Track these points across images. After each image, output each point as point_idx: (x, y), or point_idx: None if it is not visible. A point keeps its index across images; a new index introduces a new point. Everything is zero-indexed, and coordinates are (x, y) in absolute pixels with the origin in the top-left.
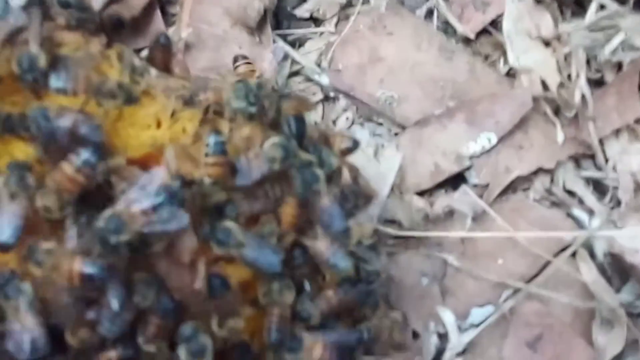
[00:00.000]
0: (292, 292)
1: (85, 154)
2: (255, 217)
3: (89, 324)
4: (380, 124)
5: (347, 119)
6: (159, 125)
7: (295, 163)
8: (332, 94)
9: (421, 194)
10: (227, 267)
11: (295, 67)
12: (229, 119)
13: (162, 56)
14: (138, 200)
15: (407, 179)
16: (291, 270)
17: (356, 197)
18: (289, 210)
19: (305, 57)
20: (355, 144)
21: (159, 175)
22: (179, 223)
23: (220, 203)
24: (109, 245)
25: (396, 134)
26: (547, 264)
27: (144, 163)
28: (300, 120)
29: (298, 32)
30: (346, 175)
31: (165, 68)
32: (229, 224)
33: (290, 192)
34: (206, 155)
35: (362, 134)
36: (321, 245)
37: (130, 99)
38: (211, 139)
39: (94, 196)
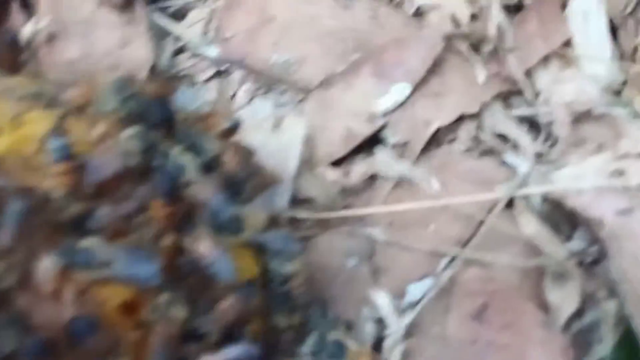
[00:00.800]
0: (182, 306)
1: None
2: (124, 226)
3: None
4: (284, 92)
5: (246, 92)
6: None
7: (160, 155)
8: (224, 67)
9: (335, 164)
10: (102, 289)
11: (180, 43)
12: (89, 118)
13: (10, 55)
14: None
15: (317, 150)
16: (179, 281)
17: (247, 182)
18: (157, 211)
19: (190, 29)
20: (236, 123)
21: None
22: None
23: (77, 217)
24: None
25: (301, 101)
26: (483, 222)
27: None
28: (162, 105)
29: (178, 2)
30: (230, 159)
31: (12, 68)
32: (89, 241)
33: (159, 187)
34: (50, 163)
35: (264, 105)
36: (203, 248)
37: None
38: (52, 144)
39: None
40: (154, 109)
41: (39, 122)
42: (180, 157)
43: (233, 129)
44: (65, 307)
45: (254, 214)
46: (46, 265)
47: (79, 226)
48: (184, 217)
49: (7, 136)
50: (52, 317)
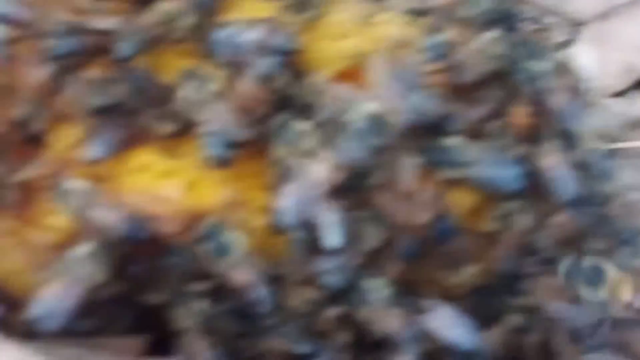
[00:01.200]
0: (527, 217)
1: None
2: (483, 129)
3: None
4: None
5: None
6: (355, 33)
7: (518, 60)
8: None
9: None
10: (452, 193)
11: None
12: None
13: None
14: None
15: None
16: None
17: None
18: (516, 117)
19: None
20: (571, 37)
21: None
22: None
23: (441, 116)
24: None
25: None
26: None
27: (345, 78)
28: (515, 12)
29: None
30: (572, 72)
31: None
32: (454, 140)
33: (516, 92)
34: (425, 61)
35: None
36: (550, 160)
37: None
38: (430, 41)
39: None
40: (509, 16)
41: (392, 23)
42: (537, 64)
43: (568, 43)
44: (424, 208)
45: (587, 130)
46: (409, 164)
47: (442, 127)
48: (537, 125)
49: (359, 37)
50: (411, 217)
